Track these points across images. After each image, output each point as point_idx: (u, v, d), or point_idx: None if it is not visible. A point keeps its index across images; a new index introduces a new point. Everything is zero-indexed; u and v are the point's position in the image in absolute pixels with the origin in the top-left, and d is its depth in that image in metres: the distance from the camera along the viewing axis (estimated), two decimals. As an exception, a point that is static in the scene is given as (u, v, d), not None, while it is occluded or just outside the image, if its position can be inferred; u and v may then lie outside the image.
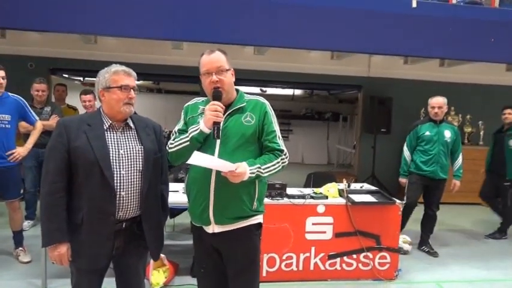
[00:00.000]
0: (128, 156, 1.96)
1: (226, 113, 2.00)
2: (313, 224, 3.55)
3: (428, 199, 4.50)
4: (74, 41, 6.00)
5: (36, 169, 4.50)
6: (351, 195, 3.65)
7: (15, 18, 4.21)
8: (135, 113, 2.12)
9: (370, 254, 3.63)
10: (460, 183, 4.48)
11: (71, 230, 1.91)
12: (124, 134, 2.01)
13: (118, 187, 1.91)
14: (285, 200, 3.52)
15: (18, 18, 4.21)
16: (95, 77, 2.03)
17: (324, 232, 3.57)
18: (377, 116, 6.85)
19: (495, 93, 7.13)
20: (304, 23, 4.60)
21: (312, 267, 3.57)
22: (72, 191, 1.93)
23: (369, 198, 3.77)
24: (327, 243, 3.57)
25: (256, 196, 2.03)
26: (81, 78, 8.60)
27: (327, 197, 3.66)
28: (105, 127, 1.97)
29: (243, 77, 5.89)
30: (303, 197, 3.58)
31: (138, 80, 2.08)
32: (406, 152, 4.54)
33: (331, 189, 3.75)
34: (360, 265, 3.64)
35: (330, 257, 3.59)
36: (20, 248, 3.80)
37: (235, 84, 2.09)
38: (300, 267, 3.55)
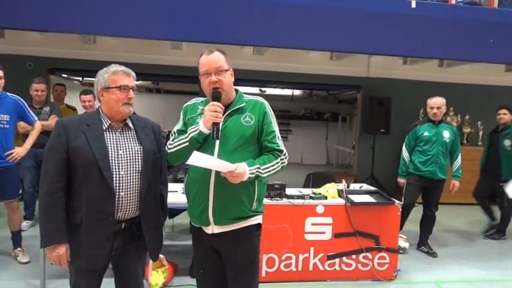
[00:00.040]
0: (127, 157, 1.95)
1: (226, 114, 1.99)
2: (312, 224, 3.55)
3: (427, 199, 4.51)
4: (73, 41, 5.99)
5: (35, 169, 4.49)
6: (350, 196, 3.65)
7: (15, 18, 4.21)
8: (134, 113, 2.11)
9: (369, 255, 3.63)
10: (459, 183, 4.48)
11: (69, 231, 1.91)
12: (123, 134, 2.00)
13: (117, 187, 1.91)
14: (284, 201, 3.52)
15: (18, 18, 4.20)
16: (94, 77, 2.03)
17: (323, 232, 3.57)
18: (376, 117, 6.85)
19: (494, 94, 7.14)
20: (303, 23, 4.60)
21: (311, 268, 3.57)
22: (71, 191, 1.93)
23: (368, 198, 3.77)
24: (326, 244, 3.57)
25: (256, 196, 2.03)
26: (80, 78, 8.59)
27: (326, 198, 3.65)
28: (104, 127, 1.97)
29: (242, 77, 5.88)
30: (302, 197, 3.57)
31: (137, 80, 2.08)
32: (405, 153, 4.54)
33: (330, 190, 3.75)
34: (359, 265, 3.64)
35: (329, 257, 3.59)
36: (19, 249, 3.79)
37: (234, 85, 2.09)
38: (299, 268, 3.55)
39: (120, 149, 1.95)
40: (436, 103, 4.37)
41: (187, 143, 1.97)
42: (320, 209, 3.56)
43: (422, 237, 4.54)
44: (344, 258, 3.61)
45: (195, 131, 1.96)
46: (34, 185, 4.55)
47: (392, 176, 4.69)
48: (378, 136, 6.94)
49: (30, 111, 3.81)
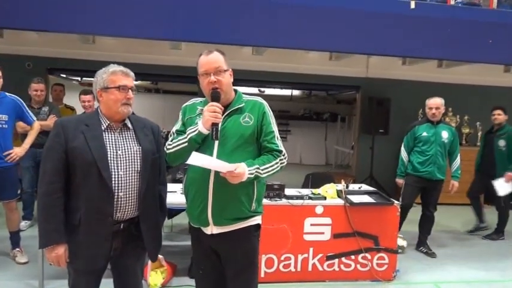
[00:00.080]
0: (125, 157, 1.95)
1: (225, 114, 1.99)
2: (311, 224, 3.54)
3: (426, 200, 4.51)
4: (72, 41, 5.98)
5: (33, 169, 4.48)
6: (349, 196, 3.65)
7: (14, 18, 4.20)
8: (133, 113, 2.11)
9: (368, 255, 3.63)
10: (458, 184, 4.48)
11: (68, 231, 1.90)
12: (122, 134, 2.00)
13: (116, 188, 1.90)
14: (283, 201, 3.51)
15: (17, 18, 4.20)
16: (93, 77, 2.02)
17: (322, 233, 3.57)
18: (375, 117, 6.85)
19: (493, 95, 7.14)
20: (302, 23, 4.60)
21: (310, 268, 3.56)
22: (70, 192, 1.92)
23: (367, 199, 3.77)
24: (325, 244, 3.57)
25: (255, 197, 2.02)
26: (79, 78, 8.59)
27: (325, 198, 3.65)
28: (103, 127, 1.96)
29: (241, 78, 5.88)
30: (301, 197, 3.57)
31: (136, 80, 2.08)
32: (404, 153, 4.54)
33: (329, 190, 3.75)
34: (358, 266, 3.63)
35: (328, 257, 3.58)
36: (17, 249, 3.78)
37: (233, 85, 2.09)
38: (298, 268, 3.55)
39: (119, 149, 1.95)
40: (435, 103, 4.38)
41: (186, 144, 1.97)
42: (319, 210, 3.56)
43: (421, 238, 4.54)
44: (343, 259, 3.61)
45: (194, 131, 1.95)
46: (33, 185, 4.54)
47: (391, 176, 4.70)
48: (377, 136, 6.94)
49: (29, 111, 3.80)
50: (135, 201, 1.97)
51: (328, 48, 5.48)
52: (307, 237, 3.54)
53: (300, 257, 3.54)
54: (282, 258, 3.52)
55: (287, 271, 3.53)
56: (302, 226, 3.53)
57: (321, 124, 11.90)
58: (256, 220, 2.06)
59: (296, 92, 10.79)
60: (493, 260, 4.42)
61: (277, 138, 2.05)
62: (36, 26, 4.42)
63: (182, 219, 4.21)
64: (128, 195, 1.94)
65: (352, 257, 3.62)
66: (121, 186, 1.92)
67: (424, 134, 4.39)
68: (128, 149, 1.97)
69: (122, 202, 1.93)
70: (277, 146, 2.03)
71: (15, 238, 3.79)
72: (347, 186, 3.84)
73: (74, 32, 5.02)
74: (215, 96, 1.96)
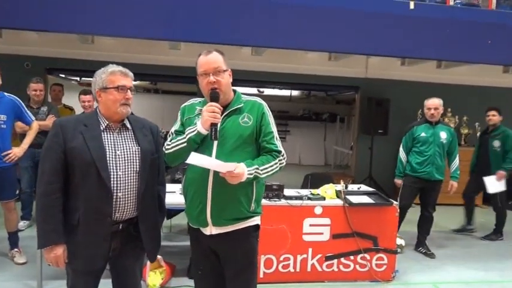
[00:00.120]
0: (124, 157, 1.94)
1: (224, 114, 1.99)
2: (310, 225, 3.54)
3: (425, 200, 4.51)
4: (71, 41, 5.98)
5: (32, 169, 4.47)
6: (348, 197, 3.65)
7: (14, 18, 4.19)
8: (132, 113, 2.10)
9: (367, 255, 3.63)
10: (457, 184, 4.49)
11: (67, 231, 1.90)
12: (121, 134, 1.99)
13: (115, 188, 1.90)
14: (283, 201, 3.51)
15: (16, 18, 4.19)
16: (92, 77, 2.02)
17: (321, 233, 3.56)
18: (374, 117, 6.85)
19: (492, 95, 7.15)
20: (302, 23, 4.60)
21: (309, 269, 3.56)
22: (69, 192, 1.91)
23: (366, 199, 3.77)
24: (324, 245, 3.57)
25: (254, 197, 2.02)
26: (78, 78, 8.58)
27: (324, 198, 3.65)
28: (101, 128, 1.96)
29: (241, 78, 5.87)
30: (300, 198, 3.57)
31: (135, 80, 2.07)
32: (402, 154, 4.55)
33: (328, 191, 3.75)
34: (357, 266, 3.63)
35: (327, 258, 3.58)
36: (16, 249, 3.77)
37: (232, 85, 2.09)
38: (297, 269, 3.55)
39: (118, 150, 1.94)
40: (433, 104, 4.38)
41: (185, 144, 1.97)
42: (318, 210, 3.55)
43: (420, 238, 4.55)
44: (342, 259, 3.60)
45: (193, 131, 1.95)
46: (31, 185, 4.54)
47: (390, 176, 4.70)
48: (376, 137, 6.94)
49: (28, 111, 3.80)
50: (134, 201, 1.97)
51: (327, 48, 5.48)
52: (306, 238, 3.54)
53: (299, 258, 3.54)
54: (281, 258, 3.51)
55: (286, 271, 3.53)
56: (301, 226, 3.52)
57: (320, 124, 11.91)
58: (255, 221, 2.06)
59: (295, 93, 10.80)
60: (492, 260, 4.42)
61: (276, 138, 2.05)
62: (36, 26, 4.41)
63: (181, 220, 4.21)
64: (126, 196, 1.94)
65: (351, 257, 3.61)
66: (120, 187, 1.91)
67: (423, 134, 4.39)
68: (126, 149, 1.97)
69: (121, 202, 1.92)
70: (276, 147, 2.02)
71: (13, 238, 3.78)
72: (346, 187, 3.84)
73: (74, 32, 5.02)
74: (214, 97, 1.96)
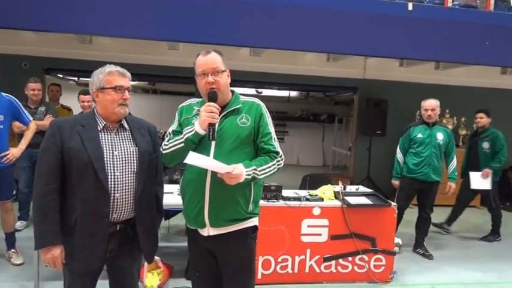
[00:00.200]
0: (122, 158, 1.94)
1: (222, 115, 1.98)
2: (308, 226, 3.54)
3: (422, 202, 4.52)
4: (69, 41, 5.96)
5: (30, 169, 4.46)
6: (346, 198, 3.65)
7: (12, 18, 4.18)
8: (129, 113, 2.09)
9: (365, 257, 3.63)
10: (455, 185, 4.49)
11: (64, 232, 1.89)
12: (118, 135, 1.99)
13: (112, 189, 1.89)
14: (281, 202, 3.51)
15: (14, 18, 4.17)
16: (90, 77, 2.01)
17: (320, 234, 3.56)
18: (372, 118, 6.86)
19: (490, 96, 7.18)
20: (300, 24, 4.60)
21: (307, 270, 3.56)
22: (66, 192, 1.91)
23: (364, 200, 3.77)
24: (323, 246, 3.56)
25: (252, 198, 2.01)
26: (76, 79, 8.55)
27: (322, 199, 3.65)
28: (99, 128, 1.95)
29: (239, 78, 5.86)
30: (298, 199, 3.57)
31: (133, 81, 2.07)
32: (399, 155, 4.56)
33: (326, 192, 3.75)
34: (355, 267, 3.63)
35: (325, 259, 3.58)
36: (12, 250, 3.76)
37: (230, 86, 2.08)
38: (295, 270, 3.54)
39: (115, 150, 1.93)
40: (430, 105, 4.39)
41: (183, 144, 1.96)
42: (316, 211, 3.55)
43: (418, 239, 4.55)
44: (340, 260, 3.60)
45: (191, 131, 1.94)
46: (29, 186, 4.52)
47: (388, 177, 4.71)
48: (374, 138, 6.95)
49: (25, 111, 3.78)
50: (132, 202, 1.96)
51: (325, 49, 5.48)
52: (304, 239, 3.54)
53: (297, 259, 3.54)
54: (279, 259, 3.51)
55: (284, 273, 3.52)
56: (299, 227, 3.52)
57: (319, 125, 11.91)
58: (253, 222, 2.05)
59: (293, 93, 10.79)
60: (490, 261, 4.42)
61: (274, 139, 2.05)
62: (35, 26, 4.40)
63: (179, 221, 4.20)
64: (124, 196, 1.93)
65: (349, 258, 3.61)
66: (117, 187, 1.90)
67: (419, 135, 4.40)
68: (124, 149, 1.96)
69: (118, 203, 1.91)
70: (274, 148, 2.02)
71: (10, 239, 3.77)
72: (344, 188, 3.84)
73: (73, 32, 5.00)
74: (212, 97, 1.95)
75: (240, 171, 1.86)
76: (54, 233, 1.86)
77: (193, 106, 2.08)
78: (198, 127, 1.92)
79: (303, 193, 3.77)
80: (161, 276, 3.41)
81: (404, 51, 5.17)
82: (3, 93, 3.59)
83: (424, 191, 4.44)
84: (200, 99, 2.10)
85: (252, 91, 9.22)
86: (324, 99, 11.50)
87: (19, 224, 4.52)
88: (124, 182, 1.92)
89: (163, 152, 2.03)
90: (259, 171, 1.93)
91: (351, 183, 5.69)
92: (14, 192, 3.98)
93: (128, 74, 2.00)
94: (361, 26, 4.75)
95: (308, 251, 3.55)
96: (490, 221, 5.24)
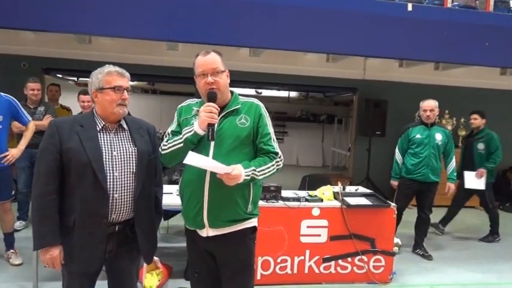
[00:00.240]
0: (121, 158, 1.93)
1: (221, 115, 1.98)
2: (308, 227, 3.53)
3: (421, 202, 4.52)
4: (68, 41, 5.96)
5: (29, 169, 4.46)
6: (345, 198, 3.65)
7: (12, 18, 4.17)
8: (129, 114, 2.09)
9: (364, 257, 3.62)
10: (454, 185, 4.49)
11: (63, 233, 1.88)
12: (117, 135, 1.98)
13: (111, 189, 1.89)
14: (280, 203, 3.50)
15: (14, 17, 4.17)
16: (89, 78, 2.01)
17: (319, 235, 3.56)
18: (372, 119, 6.86)
19: (489, 97, 7.18)
20: (300, 25, 4.60)
21: (306, 271, 3.55)
22: (64, 192, 1.90)
23: (363, 201, 3.76)
24: (322, 246, 3.56)
25: (251, 199, 2.01)
26: (75, 79, 8.54)
27: (321, 200, 3.65)
28: (98, 128, 1.94)
29: (239, 79, 5.87)
30: (297, 199, 3.56)
31: (133, 81, 2.07)
32: (398, 155, 4.56)
33: (326, 192, 3.74)
34: (354, 268, 3.63)
35: (325, 260, 3.57)
36: (11, 250, 3.75)
37: (230, 86, 2.08)
38: (295, 271, 3.54)
39: (114, 150, 1.93)
40: (429, 106, 4.39)
41: (182, 144, 1.96)
42: (316, 212, 3.55)
43: (418, 240, 4.55)
44: (339, 261, 3.60)
45: (190, 131, 1.94)
46: (28, 186, 4.51)
47: (387, 178, 4.71)
48: (373, 138, 6.95)
49: (24, 111, 3.77)
50: (131, 202, 1.95)
51: (325, 50, 5.48)
52: (303, 240, 3.53)
53: (296, 259, 3.53)
54: (279, 260, 3.50)
55: (283, 273, 3.52)
56: (298, 228, 3.52)
57: (318, 126, 11.91)
58: (252, 222, 2.05)
59: (293, 94, 10.80)
60: (490, 262, 4.42)
61: (274, 140, 2.04)
62: (35, 26, 4.39)
63: (178, 221, 4.18)
64: (123, 197, 1.92)
65: (349, 259, 3.61)
66: (116, 188, 1.90)
67: (418, 136, 4.40)
68: (123, 150, 1.95)
69: (117, 203, 1.91)
70: (274, 148, 2.02)
71: (9, 239, 3.76)
72: (344, 188, 3.84)
73: (73, 32, 5.00)
74: (211, 97, 1.95)
75: (239, 171, 1.85)
76: (53, 233, 1.86)
77: (193, 106, 2.08)
78: (197, 127, 1.92)
79: (302, 194, 3.77)
80: (160, 277, 3.41)
81: (404, 52, 5.17)
82: (2, 93, 3.59)
83: (422, 192, 4.44)
84: (199, 100, 2.09)
85: (252, 91, 9.23)
86: (323, 100, 11.51)
87: (18, 224, 4.52)
88: (123, 182, 1.92)
89: (162, 152, 2.02)
90: (259, 171, 1.93)
91: (350, 184, 5.69)
92: (13, 192, 3.97)
93: (127, 74, 2.00)
94: (361, 27, 4.75)
95: (307, 251, 3.54)
96: (488, 222, 5.24)
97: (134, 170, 1.95)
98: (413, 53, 5.16)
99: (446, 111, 7.04)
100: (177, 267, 3.66)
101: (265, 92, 9.77)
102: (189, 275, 2.20)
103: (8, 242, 3.76)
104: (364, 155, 7.03)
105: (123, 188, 1.92)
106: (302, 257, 3.54)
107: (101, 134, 1.94)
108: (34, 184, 1.89)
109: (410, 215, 4.62)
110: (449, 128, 6.82)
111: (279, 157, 2.02)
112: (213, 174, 1.89)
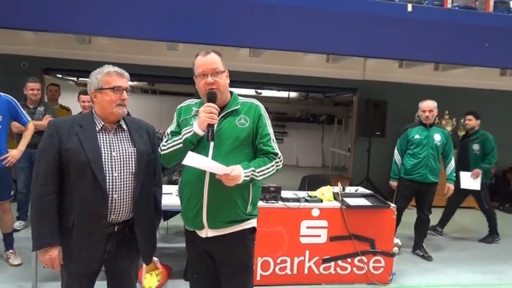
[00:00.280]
0: (120, 158, 1.93)
1: (220, 115, 1.97)
2: (307, 227, 3.53)
3: (420, 203, 4.52)
4: (68, 41, 5.95)
5: (28, 170, 4.45)
6: (345, 199, 3.64)
7: (12, 18, 4.17)
8: (128, 114, 2.08)
9: (364, 258, 3.62)
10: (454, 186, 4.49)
11: (62, 233, 1.88)
12: (116, 135, 1.98)
13: (110, 189, 1.88)
14: (280, 203, 3.50)
15: (14, 17, 4.17)
16: (89, 78, 2.00)
17: (319, 236, 3.55)
18: (372, 119, 6.86)
19: (489, 98, 7.18)
20: (300, 25, 4.60)
21: (306, 271, 3.55)
22: (63, 192, 1.90)
23: (363, 201, 3.76)
24: (322, 247, 3.55)
25: (250, 200, 2.01)
26: (75, 79, 8.54)
27: (321, 201, 3.64)
28: (97, 128, 1.94)
29: (238, 79, 5.87)
30: (297, 200, 3.56)
31: (132, 81, 2.07)
32: (397, 156, 4.56)
33: (325, 193, 3.74)
34: (354, 269, 3.62)
35: (324, 260, 3.57)
36: (11, 251, 3.75)
37: (230, 86, 2.07)
38: (294, 271, 3.53)
39: (114, 151, 1.93)
40: (428, 106, 4.39)
41: (181, 145, 1.95)
42: (315, 212, 3.54)
43: (417, 241, 4.54)
44: (339, 262, 3.59)
45: (189, 132, 1.93)
46: (28, 186, 4.50)
47: (387, 179, 4.70)
48: (373, 139, 6.95)
49: (24, 111, 3.77)
50: (130, 203, 1.95)
51: (325, 50, 5.48)
52: (303, 240, 3.53)
53: (296, 260, 3.53)
54: (278, 261, 3.50)
55: (283, 274, 3.51)
56: (298, 229, 3.51)
57: (318, 126, 11.91)
58: (252, 223, 2.04)
59: (293, 94, 10.79)
60: (490, 263, 4.42)
61: (273, 140, 2.04)
62: (35, 26, 4.39)
63: (178, 221, 4.17)
64: (122, 197, 1.92)
65: (349, 260, 3.60)
66: (115, 188, 1.90)
67: (417, 136, 4.40)
68: (122, 150, 1.95)
69: (116, 204, 1.91)
70: (273, 149, 2.01)
71: (8, 240, 3.76)
72: (343, 189, 3.84)
73: (72, 32, 4.99)
74: (211, 97, 1.95)
75: (238, 172, 1.85)
76: (52, 234, 1.86)
77: (192, 107, 2.07)
78: (197, 128, 1.91)
79: (302, 194, 3.77)
80: (160, 277, 3.40)
81: (404, 53, 5.17)
82: (1, 93, 3.58)
83: (421, 192, 4.44)
84: (199, 100, 2.09)
85: (252, 92, 9.22)
86: (323, 100, 11.50)
87: (17, 224, 4.52)
88: (122, 182, 1.92)
89: (162, 152, 2.02)
90: (258, 172, 1.92)
91: (350, 184, 5.69)
92: (13, 192, 3.97)
93: (126, 75, 1.99)
94: (360, 27, 4.75)
95: (307, 252, 3.54)
96: (486, 223, 5.23)
97: (133, 171, 1.95)
98: (413, 54, 5.16)
99: (446, 112, 7.04)
100: (177, 267, 3.65)
101: (265, 93, 9.77)
102: (189, 276, 2.19)
103: (7, 242, 3.75)
104: (364, 156, 7.03)
105: (122, 189, 1.92)
106: (302, 258, 3.53)
107: (100, 134, 1.94)
108: (33, 184, 1.89)
109: (410, 215, 4.62)
110: (449, 128, 6.83)
111: (279, 158, 2.02)
112: (212, 174, 1.89)
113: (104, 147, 1.91)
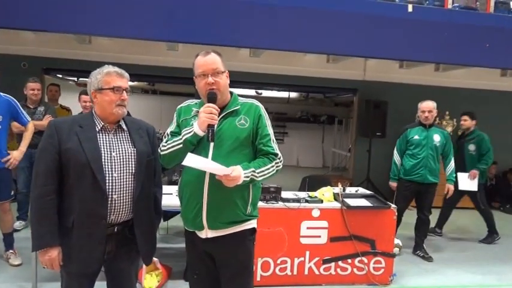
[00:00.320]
0: (120, 159, 1.92)
1: (220, 116, 1.97)
2: (307, 228, 3.52)
3: (420, 203, 4.51)
4: (68, 41, 5.95)
5: (28, 170, 4.45)
6: (346, 199, 3.64)
7: (12, 18, 4.17)
8: (128, 114, 2.08)
9: (365, 259, 3.61)
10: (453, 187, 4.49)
11: (61, 234, 1.88)
12: (116, 136, 1.98)
13: (110, 190, 1.88)
14: (280, 204, 3.49)
15: (14, 17, 4.17)
16: (88, 78, 2.00)
17: (319, 236, 3.55)
18: (372, 120, 6.86)
19: (489, 98, 7.18)
20: (301, 25, 4.60)
21: (306, 272, 3.54)
22: (63, 193, 1.90)
23: (363, 202, 3.75)
24: (322, 248, 3.55)
25: (250, 200, 2.00)
26: (75, 79, 8.54)
27: (322, 201, 3.64)
28: (97, 129, 1.94)
29: (239, 79, 5.87)
30: (297, 200, 3.55)
31: (132, 81, 2.06)
32: (396, 156, 4.56)
33: (326, 193, 3.73)
34: (354, 270, 3.61)
35: (325, 261, 3.56)
36: (11, 251, 3.75)
37: (230, 87, 2.07)
38: (295, 272, 3.53)
39: (113, 151, 1.92)
40: (428, 107, 4.39)
41: (181, 145, 1.95)
42: (316, 213, 3.54)
43: (418, 241, 4.54)
44: (339, 263, 3.59)
45: (189, 132, 1.93)
46: (28, 186, 4.49)
47: (388, 179, 4.70)
48: (374, 139, 6.94)
49: (24, 111, 3.77)
50: (130, 203, 1.94)
51: (325, 50, 5.47)
52: (303, 241, 3.52)
53: (296, 261, 3.52)
54: (278, 261, 3.49)
55: (283, 274, 3.51)
56: (298, 229, 3.51)
57: (318, 126, 11.91)
58: (252, 224, 2.04)
59: (293, 94, 10.79)
60: (490, 264, 4.41)
61: (273, 141, 2.03)
62: (35, 26, 4.40)
63: (178, 222, 4.16)
64: (122, 198, 1.91)
65: (349, 260, 3.60)
66: (115, 189, 1.89)
67: (416, 137, 4.40)
68: (122, 150, 1.95)
69: (116, 204, 1.90)
70: (273, 149, 2.01)
71: (8, 240, 3.75)
72: (344, 190, 3.83)
73: (72, 32, 5.00)
74: (212, 98, 1.94)
75: (238, 173, 1.84)
76: (51, 234, 1.85)
77: (192, 107, 2.07)
78: (197, 128, 1.91)
79: (302, 195, 3.76)
80: (160, 278, 3.40)
81: (404, 53, 5.17)
82: (1, 94, 3.58)
83: (421, 193, 4.43)
84: (199, 101, 2.09)
85: (252, 92, 9.22)
86: (323, 101, 11.50)
87: (18, 224, 4.51)
88: (122, 183, 1.91)
89: (162, 153, 2.01)
90: (258, 173, 1.92)
91: (351, 185, 5.68)
92: (13, 192, 3.96)
93: (126, 75, 1.99)
94: (361, 27, 4.75)
95: (307, 253, 3.53)
96: (478, 223, 5.23)
97: (133, 171, 1.95)
98: (414, 54, 5.17)
99: (447, 113, 7.04)
100: (177, 268, 3.65)
101: (265, 93, 9.76)
102: (189, 276, 2.19)
103: (7, 242, 3.75)
104: (365, 156, 7.02)
105: (122, 189, 1.91)
106: (302, 258, 3.53)
107: (100, 134, 1.93)
108: (33, 184, 1.88)
109: (410, 216, 4.61)
110: (450, 129, 6.83)
111: (279, 158, 2.01)
112: (212, 175, 1.88)
113: (103, 148, 1.90)
